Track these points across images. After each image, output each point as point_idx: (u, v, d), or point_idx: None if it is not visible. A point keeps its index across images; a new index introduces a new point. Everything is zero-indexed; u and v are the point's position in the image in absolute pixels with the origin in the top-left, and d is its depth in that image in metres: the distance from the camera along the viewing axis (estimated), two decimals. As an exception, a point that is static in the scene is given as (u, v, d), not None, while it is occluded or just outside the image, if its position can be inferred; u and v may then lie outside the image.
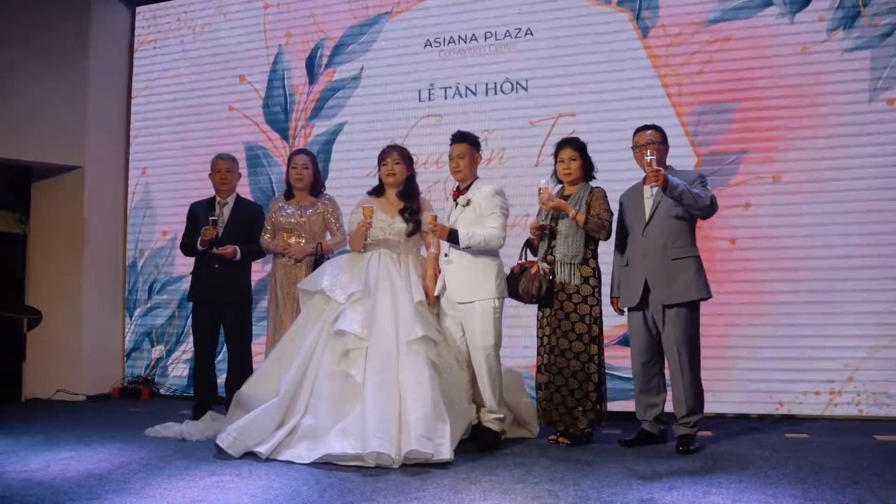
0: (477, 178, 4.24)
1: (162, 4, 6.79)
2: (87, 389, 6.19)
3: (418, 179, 4.50)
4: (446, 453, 3.57)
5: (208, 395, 4.86)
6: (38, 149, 6.02)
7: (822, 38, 5.09)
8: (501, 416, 4.09)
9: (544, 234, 4.15)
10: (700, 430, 4.01)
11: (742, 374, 5.03)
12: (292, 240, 4.68)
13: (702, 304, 3.99)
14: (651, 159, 3.76)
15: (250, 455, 3.75)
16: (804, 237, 5.01)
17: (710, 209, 3.89)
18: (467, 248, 4.01)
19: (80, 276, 6.28)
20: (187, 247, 4.90)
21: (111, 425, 4.81)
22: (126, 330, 6.59)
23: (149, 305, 6.54)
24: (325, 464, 3.57)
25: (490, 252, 4.08)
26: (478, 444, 3.98)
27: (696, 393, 3.91)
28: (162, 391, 6.33)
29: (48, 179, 6.35)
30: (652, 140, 4.01)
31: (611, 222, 4.05)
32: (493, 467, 3.54)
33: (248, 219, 4.89)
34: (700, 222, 4.10)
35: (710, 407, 4.88)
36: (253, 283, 5.04)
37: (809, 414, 4.87)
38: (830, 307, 4.92)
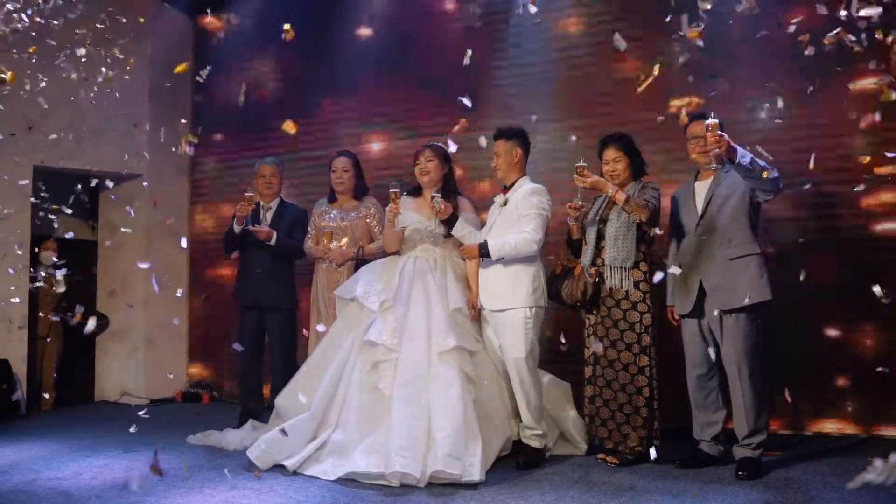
0: (523, 175, 3.98)
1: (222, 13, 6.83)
2: (151, 393, 6.29)
3: None
4: (476, 474, 3.34)
5: (254, 403, 4.80)
6: (103, 158, 6.16)
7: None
8: (541, 431, 3.81)
9: (580, 221, 3.85)
10: (768, 451, 3.61)
11: (825, 386, 4.49)
12: (333, 244, 4.57)
13: (781, 305, 3.57)
14: (713, 122, 3.20)
15: (280, 468, 3.63)
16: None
17: (778, 183, 3.41)
18: (500, 260, 3.77)
19: (145, 282, 6.39)
20: (226, 237, 4.83)
21: (160, 431, 4.78)
22: (189, 334, 6.67)
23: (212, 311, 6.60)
24: (351, 481, 3.40)
25: (525, 256, 3.82)
26: (517, 463, 3.72)
27: (758, 411, 3.50)
28: (222, 396, 6.37)
29: (114, 188, 6.50)
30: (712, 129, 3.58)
31: (657, 207, 3.66)
32: (525, 490, 3.27)
33: (292, 221, 4.81)
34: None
35: (785, 423, 4.46)
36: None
37: (901, 436, 4.31)
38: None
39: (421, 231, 4.08)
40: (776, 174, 3.35)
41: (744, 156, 3.25)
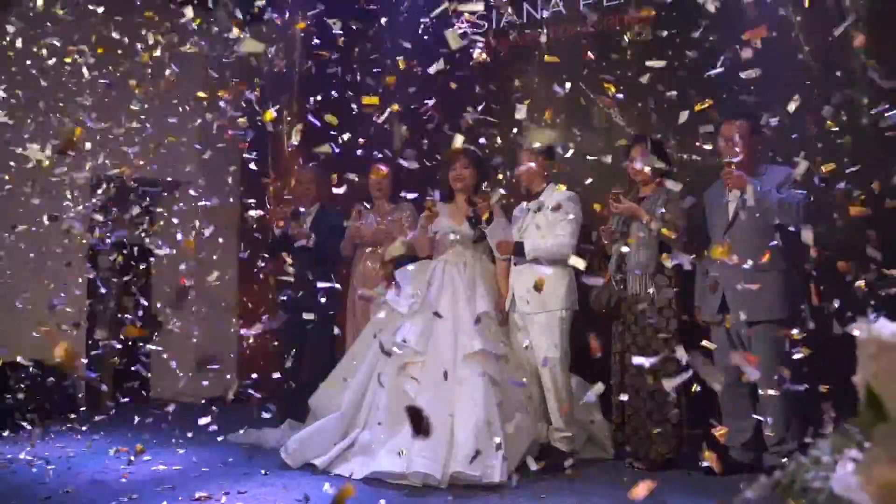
0: (549, 183, 4.02)
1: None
2: (203, 392, 6.51)
3: None
4: (496, 476, 3.37)
5: (294, 404, 4.91)
6: (159, 166, 6.40)
7: None
8: (570, 434, 3.82)
9: (615, 240, 3.84)
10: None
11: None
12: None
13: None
14: (730, 162, 3.34)
15: (311, 466, 3.74)
16: None
17: (800, 219, 3.34)
18: (534, 260, 3.82)
19: (197, 285, 6.62)
20: (269, 242, 5.02)
21: (204, 429, 4.98)
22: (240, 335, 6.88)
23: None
24: (376, 480, 3.48)
25: (559, 261, 3.83)
26: (543, 465, 3.72)
27: (788, 419, 3.42)
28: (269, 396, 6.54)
29: (167, 195, 6.77)
30: (740, 132, 3.55)
31: (684, 229, 3.66)
32: (546, 493, 3.29)
33: (331, 227, 4.92)
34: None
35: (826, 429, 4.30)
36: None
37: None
38: None
39: (451, 236, 4.13)
40: (795, 212, 3.32)
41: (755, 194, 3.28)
